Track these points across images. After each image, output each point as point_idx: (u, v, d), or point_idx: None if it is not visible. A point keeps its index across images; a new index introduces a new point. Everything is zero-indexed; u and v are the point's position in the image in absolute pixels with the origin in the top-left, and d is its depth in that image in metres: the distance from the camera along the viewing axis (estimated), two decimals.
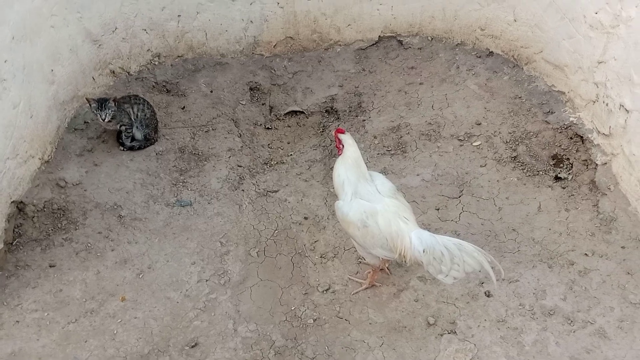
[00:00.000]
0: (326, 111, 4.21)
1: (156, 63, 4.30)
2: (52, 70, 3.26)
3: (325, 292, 2.84)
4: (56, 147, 3.35)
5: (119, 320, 2.68)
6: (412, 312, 2.69)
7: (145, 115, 3.53)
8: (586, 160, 3.27)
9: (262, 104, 4.30)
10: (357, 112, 4.12)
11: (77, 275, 2.85)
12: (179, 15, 4.21)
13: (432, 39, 4.50)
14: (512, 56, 4.09)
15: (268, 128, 4.13)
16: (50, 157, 3.26)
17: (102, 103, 3.30)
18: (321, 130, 4.09)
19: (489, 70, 4.13)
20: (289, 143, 4.05)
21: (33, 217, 3.01)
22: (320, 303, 2.78)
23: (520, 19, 3.92)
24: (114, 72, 4.02)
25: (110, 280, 2.85)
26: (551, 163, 3.37)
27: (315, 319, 2.70)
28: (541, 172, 3.31)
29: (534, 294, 2.69)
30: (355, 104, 4.19)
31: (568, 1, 3.44)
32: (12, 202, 2.89)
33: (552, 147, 3.44)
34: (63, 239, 2.99)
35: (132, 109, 3.47)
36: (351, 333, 2.62)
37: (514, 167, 3.39)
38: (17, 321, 2.63)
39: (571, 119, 3.44)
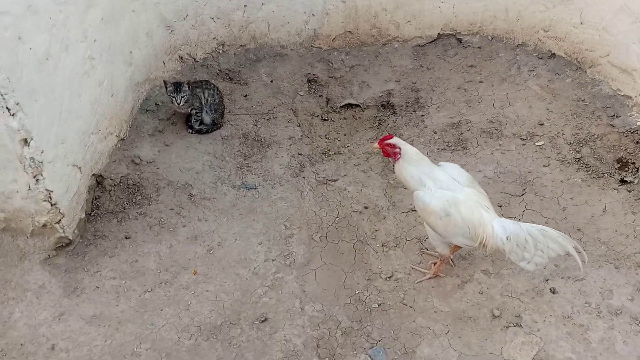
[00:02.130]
0: (382, 105, 4.26)
1: (220, 51, 4.42)
2: (130, 53, 3.40)
3: (388, 279, 2.90)
4: (130, 126, 3.49)
5: (192, 292, 2.78)
6: (476, 304, 2.73)
7: (214, 101, 3.65)
8: None
9: (319, 96, 4.38)
10: (415, 107, 4.16)
11: (151, 247, 2.98)
12: (245, 6, 4.31)
13: (492, 38, 4.50)
14: (576, 59, 4.07)
15: (325, 119, 4.20)
16: (125, 135, 3.40)
17: (177, 86, 3.42)
18: (377, 124, 4.14)
19: (551, 72, 4.12)
20: (345, 135, 4.12)
21: (110, 190, 3.14)
22: (383, 289, 2.85)
23: (587, 21, 3.90)
24: (182, 57, 4.15)
25: (183, 255, 2.96)
26: (616, 166, 3.36)
27: (380, 304, 2.76)
28: (606, 175, 3.30)
29: (600, 293, 2.70)
30: (413, 99, 4.23)
31: None
32: (92, 174, 3.03)
33: (617, 150, 3.43)
34: (137, 212, 3.12)
35: (204, 93, 3.59)
36: (416, 319, 2.68)
37: (578, 168, 3.39)
38: (97, 287, 2.76)
39: (638, 123, 3.43)
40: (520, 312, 2.67)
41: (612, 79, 3.79)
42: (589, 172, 3.35)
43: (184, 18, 4.03)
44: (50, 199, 2.58)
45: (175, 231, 3.08)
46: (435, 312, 2.70)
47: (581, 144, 3.52)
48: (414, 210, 3.30)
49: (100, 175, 3.12)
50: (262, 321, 2.67)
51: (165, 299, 2.74)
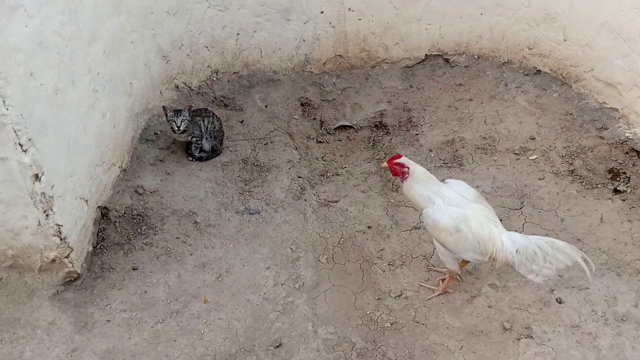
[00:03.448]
0: (375, 126, 4.34)
1: (214, 79, 4.48)
2: (130, 84, 3.43)
3: (397, 297, 2.93)
4: (131, 157, 3.50)
5: (204, 321, 2.78)
6: (487, 318, 2.77)
7: (214, 128, 3.68)
8: None
9: (313, 119, 4.45)
10: (408, 127, 4.25)
11: (159, 277, 2.97)
12: (237, 34, 4.39)
13: (478, 57, 4.64)
14: (561, 74, 4.22)
15: (320, 142, 4.27)
16: (127, 165, 3.41)
17: (177, 112, 3.46)
18: (371, 144, 4.21)
19: (538, 88, 4.26)
20: (341, 156, 4.18)
21: (115, 222, 3.14)
22: (394, 308, 2.88)
23: (570, 38, 4.06)
24: (177, 86, 4.19)
25: (192, 283, 2.96)
26: (608, 177, 3.47)
27: (392, 323, 2.79)
28: (599, 185, 3.41)
29: (605, 300, 2.78)
30: (405, 119, 4.32)
31: (622, 22, 3.58)
32: (97, 207, 3.03)
33: (608, 161, 3.54)
34: (143, 243, 3.12)
35: (203, 121, 3.63)
36: (429, 337, 2.71)
37: (572, 180, 3.49)
38: (108, 320, 2.74)
39: (627, 134, 3.56)
40: (529, 323, 2.72)
41: (597, 92, 3.93)
42: (583, 184, 3.46)
43: (179, 48, 4.09)
44: (60, 233, 2.58)
45: (182, 260, 3.08)
46: (447, 328, 2.74)
47: (573, 157, 3.64)
48: (416, 228, 3.37)
49: (105, 207, 3.12)
50: (277, 347, 2.68)
51: (177, 330, 2.73)
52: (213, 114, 3.73)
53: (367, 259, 3.18)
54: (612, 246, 3.04)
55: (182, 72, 4.18)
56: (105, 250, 3.05)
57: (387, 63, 4.78)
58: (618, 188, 3.36)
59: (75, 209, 2.73)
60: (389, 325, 2.78)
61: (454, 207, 2.55)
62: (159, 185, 3.40)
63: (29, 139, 2.29)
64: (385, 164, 2.66)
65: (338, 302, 2.93)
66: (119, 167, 3.29)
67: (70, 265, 2.70)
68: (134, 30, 3.44)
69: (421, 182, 2.59)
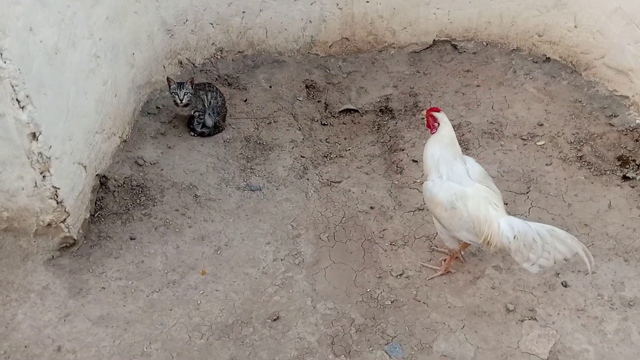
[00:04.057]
0: (380, 110, 4.28)
1: (219, 57, 4.41)
2: (133, 54, 3.37)
3: (399, 276, 2.87)
4: (132, 129, 3.45)
5: (201, 292, 2.72)
6: (490, 299, 2.71)
7: (217, 103, 3.63)
8: None
9: (318, 102, 4.38)
10: (414, 112, 4.18)
11: (157, 248, 2.91)
12: (243, 12, 4.32)
13: (487, 44, 4.57)
14: (571, 62, 4.15)
15: (324, 124, 4.20)
16: (127, 137, 3.35)
17: (180, 84, 3.40)
18: (376, 128, 4.15)
19: (547, 75, 4.20)
20: (345, 139, 4.12)
21: (114, 191, 3.08)
22: (395, 286, 2.82)
23: (581, 25, 3.99)
24: (181, 62, 4.13)
25: (190, 255, 2.91)
26: (617, 164, 3.41)
27: (393, 301, 2.73)
28: (608, 172, 3.35)
29: (612, 285, 2.71)
30: (411, 103, 4.26)
31: (635, 7, 3.51)
32: (96, 175, 2.97)
33: (618, 148, 3.48)
34: (142, 214, 3.06)
35: (207, 95, 3.57)
36: (431, 315, 2.65)
37: (580, 166, 3.42)
38: (103, 287, 2.69)
39: (638, 121, 3.49)
40: (533, 306, 2.66)
41: (608, 80, 3.86)
42: (591, 170, 3.39)
43: (184, 23, 4.02)
44: (57, 196, 2.52)
45: (181, 232, 3.02)
46: (449, 307, 2.68)
47: (581, 143, 3.57)
48: (420, 209, 3.30)
49: (104, 176, 3.06)
50: (274, 320, 2.62)
51: (174, 299, 2.67)
52: (217, 89, 3.68)
53: (369, 238, 3.12)
54: (620, 232, 2.97)
55: (186, 48, 4.12)
56: (102, 219, 2.99)
57: (394, 48, 4.70)
58: (627, 175, 3.29)
59: (73, 173, 2.67)
60: (390, 303, 2.72)
61: (453, 183, 2.48)
62: (159, 158, 3.35)
63: (27, 96, 2.23)
64: (424, 112, 2.63)
65: (338, 279, 2.87)
66: (119, 137, 3.23)
67: (66, 230, 2.64)
68: (138, 0, 3.38)
69: (441, 144, 2.53)
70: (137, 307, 2.62)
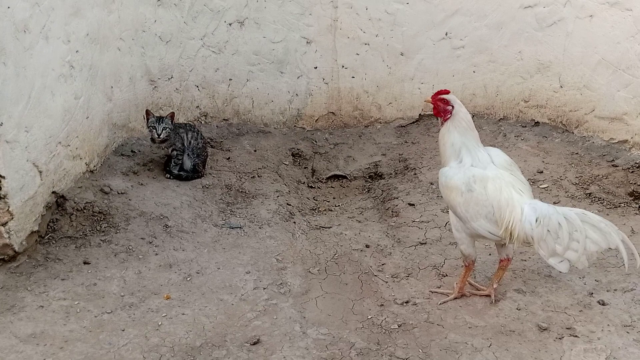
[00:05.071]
0: (370, 176, 4.08)
1: (203, 122, 4.28)
2: (111, 88, 3.22)
3: (405, 304, 2.41)
4: (103, 163, 3.15)
5: (164, 315, 2.21)
6: (517, 319, 2.24)
7: (198, 145, 3.39)
8: None
9: (305, 168, 4.19)
10: (405, 172, 3.99)
11: (114, 272, 2.44)
12: (230, 79, 4.30)
13: (473, 115, 4.49)
14: (561, 122, 4.10)
15: (311, 187, 3.96)
16: (96, 168, 3.04)
17: (160, 118, 3.19)
18: (366, 190, 3.91)
19: (538, 136, 4.11)
20: (334, 198, 3.85)
21: (71, 214, 2.68)
22: (401, 313, 2.34)
23: (567, 84, 4.01)
24: None
25: (153, 281, 2.43)
26: (630, 199, 3.15)
27: (401, 325, 2.24)
28: (622, 205, 3.08)
29: None
30: (401, 167, 4.08)
31: (619, 54, 3.56)
32: (53, 191, 2.59)
33: (627, 185, 3.25)
34: (101, 240, 2.63)
35: (187, 134, 3.35)
36: (448, 336, 2.15)
37: (591, 202, 3.16)
38: (41, 306, 2.16)
39: None
40: (571, 324, 2.19)
41: (602, 131, 3.77)
42: (604, 204, 3.13)
43: (169, 79, 3.96)
44: (0, 188, 2.13)
45: (145, 259, 2.57)
46: (469, 327, 2.19)
47: (587, 183, 3.35)
48: (422, 243, 2.92)
49: (63, 196, 2.67)
50: (254, 343, 2.09)
51: (128, 320, 2.14)
52: (198, 130, 3.47)
53: (366, 272, 2.69)
54: None
55: (169, 105, 4.00)
56: (54, 242, 2.54)
57: (380, 122, 4.66)
58: None
59: (24, 170, 2.31)
60: (397, 327, 2.23)
61: (477, 169, 2.18)
62: (128, 189, 2.99)
63: None
64: (429, 99, 2.31)
65: (332, 307, 2.39)
66: (86, 164, 2.91)
67: (6, 236, 2.20)
68: (122, 39, 3.32)
69: (460, 130, 2.23)
70: (81, 326, 2.08)
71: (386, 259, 2.81)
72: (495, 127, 4.36)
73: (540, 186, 3.41)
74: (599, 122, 3.79)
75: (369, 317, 2.32)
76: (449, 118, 2.27)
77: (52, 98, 2.51)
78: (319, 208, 3.60)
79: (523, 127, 4.26)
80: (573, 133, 3.97)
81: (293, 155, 4.24)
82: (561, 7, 3.90)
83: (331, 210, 3.56)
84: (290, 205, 3.41)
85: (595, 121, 3.82)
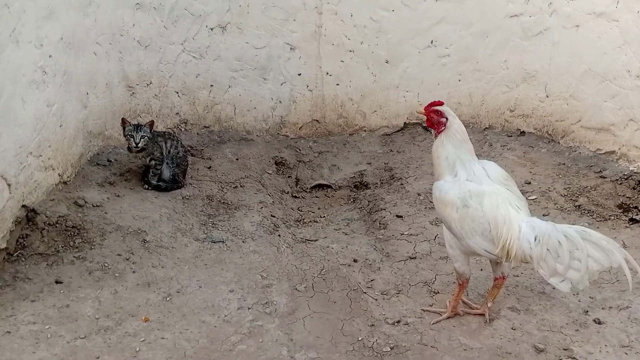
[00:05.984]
0: (355, 186, 3.99)
1: (182, 129, 4.14)
2: (87, 94, 3.07)
3: (396, 323, 2.31)
4: (76, 174, 2.99)
5: (142, 339, 2.07)
6: (513, 339, 2.17)
7: (178, 154, 3.25)
8: None
9: (288, 177, 4.08)
10: (391, 182, 3.90)
11: (89, 292, 2.29)
12: (211, 85, 4.17)
13: None
14: (547, 132, 4.07)
15: (295, 197, 3.85)
16: (69, 179, 2.88)
17: (138, 126, 3.04)
18: (352, 200, 3.82)
19: (525, 146, 4.07)
20: (319, 209, 3.75)
21: (43, 229, 2.52)
22: (393, 333, 2.24)
23: (553, 93, 3.99)
24: None
25: (131, 301, 2.28)
26: (619, 211, 3.12)
27: (393, 347, 2.15)
28: (612, 217, 3.04)
29: None
30: (387, 176, 4.00)
31: (605, 64, 3.54)
32: (23, 205, 2.43)
33: (616, 197, 3.22)
34: (75, 257, 2.47)
35: (166, 143, 3.21)
36: (443, 358, 2.05)
37: (581, 214, 3.12)
38: (8, 332, 2.00)
39: (631, 168, 3.29)
40: (567, 345, 2.13)
41: (588, 141, 3.74)
42: (594, 217, 3.08)
43: (148, 85, 3.81)
44: None
45: (122, 277, 2.42)
46: (464, 349, 2.11)
47: (576, 195, 3.31)
48: (412, 257, 2.84)
49: (33, 210, 2.51)
50: None
51: (104, 346, 2.00)
52: (178, 139, 3.33)
53: (355, 288, 2.59)
54: None
55: (148, 112, 3.85)
56: (23, 259, 2.38)
57: (365, 131, 4.57)
58: (635, 218, 2.98)
59: None
60: (389, 350, 2.13)
61: (471, 183, 2.10)
62: (104, 202, 2.84)
63: None
64: (421, 110, 2.23)
65: (321, 328, 2.28)
66: (59, 174, 2.76)
67: None
68: (99, 43, 3.18)
69: (454, 142, 2.15)
70: (52, 354, 1.93)
71: (375, 274, 2.72)
72: (481, 136, 4.31)
73: (529, 197, 3.35)
74: (585, 132, 3.77)
75: (360, 338, 2.21)
76: (442, 130, 2.19)
77: (22, 106, 2.35)
78: (304, 219, 3.49)
79: (509, 136, 4.22)
80: (559, 143, 3.94)
81: (276, 163, 4.12)
82: (547, 16, 3.87)
83: (316, 222, 3.46)
84: (274, 216, 3.30)
85: (581, 131, 3.80)
